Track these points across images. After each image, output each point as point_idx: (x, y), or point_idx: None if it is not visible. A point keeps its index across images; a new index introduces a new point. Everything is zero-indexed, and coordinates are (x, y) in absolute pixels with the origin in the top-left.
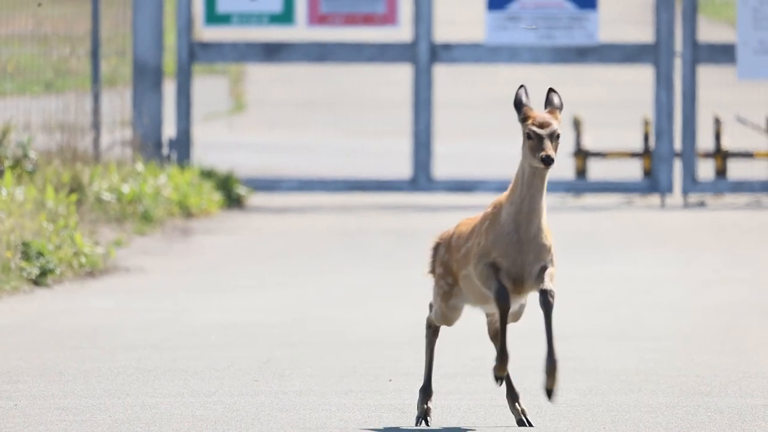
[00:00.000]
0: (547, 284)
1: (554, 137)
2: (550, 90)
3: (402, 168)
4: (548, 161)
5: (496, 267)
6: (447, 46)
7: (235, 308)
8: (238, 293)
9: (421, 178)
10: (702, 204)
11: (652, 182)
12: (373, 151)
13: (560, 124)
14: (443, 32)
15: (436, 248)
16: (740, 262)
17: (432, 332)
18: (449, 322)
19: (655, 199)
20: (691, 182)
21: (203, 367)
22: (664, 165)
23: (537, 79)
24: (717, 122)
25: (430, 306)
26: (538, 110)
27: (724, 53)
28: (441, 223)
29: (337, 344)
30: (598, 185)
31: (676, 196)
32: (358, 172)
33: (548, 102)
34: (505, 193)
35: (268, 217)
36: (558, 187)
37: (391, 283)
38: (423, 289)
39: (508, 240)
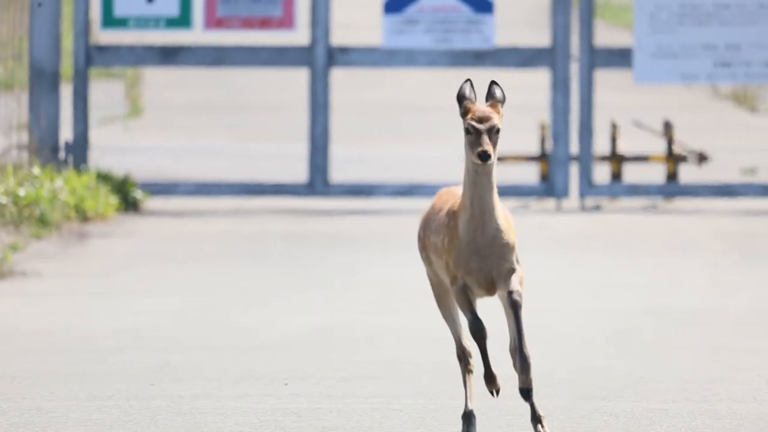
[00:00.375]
0: (514, 284)
1: (494, 132)
2: (492, 83)
3: (299, 172)
4: (485, 157)
5: (467, 292)
6: (344, 50)
7: (131, 312)
8: (134, 297)
9: (318, 183)
10: (598, 207)
11: (549, 186)
12: (271, 154)
13: (502, 118)
14: (341, 36)
15: (421, 227)
16: (636, 266)
17: (463, 366)
18: (447, 294)
19: (551, 202)
20: (588, 186)
21: (99, 371)
22: (561, 169)
23: (434, 83)
24: (613, 126)
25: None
26: (479, 104)
27: (621, 57)
28: (338, 227)
29: (233, 348)
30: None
31: (572, 200)
32: (255, 176)
33: (490, 95)
34: (456, 202)
35: (165, 220)
36: None
37: (288, 287)
38: (320, 292)
39: (469, 251)
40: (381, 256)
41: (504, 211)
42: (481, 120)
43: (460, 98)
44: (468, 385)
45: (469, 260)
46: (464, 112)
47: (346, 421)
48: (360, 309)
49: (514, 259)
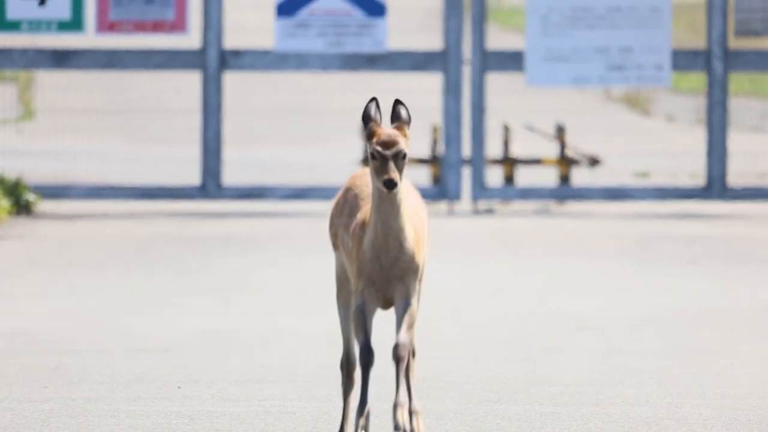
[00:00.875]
0: (402, 335)
1: (399, 157)
2: (397, 102)
3: (192, 175)
4: (391, 185)
5: (365, 311)
6: (236, 53)
7: (23, 315)
8: (26, 300)
9: (211, 185)
10: (491, 211)
11: (441, 189)
12: (163, 158)
13: (408, 140)
14: (234, 39)
15: (333, 216)
16: (528, 270)
17: (346, 376)
18: (348, 295)
19: (443, 206)
20: (480, 189)
21: None
22: (453, 172)
23: (326, 86)
24: (506, 129)
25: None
26: (385, 127)
27: (513, 60)
28: (230, 230)
29: (126, 351)
30: None
31: (464, 203)
32: (147, 180)
33: (395, 116)
34: (367, 213)
35: (57, 224)
36: None
37: (181, 290)
38: (213, 296)
39: (371, 267)
40: (273, 259)
41: (416, 230)
42: (386, 145)
43: (365, 119)
44: (346, 401)
45: (371, 275)
46: (369, 135)
47: (238, 424)
48: (252, 312)
49: (415, 284)
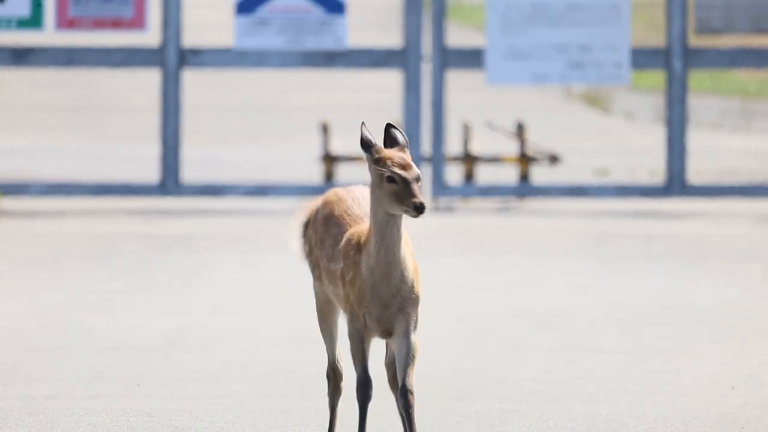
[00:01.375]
0: (409, 380)
1: (419, 180)
2: (390, 125)
3: (151, 173)
4: (422, 209)
5: (363, 338)
6: (195, 51)
7: None
8: None
9: (170, 183)
10: (450, 209)
11: None
12: (122, 155)
13: None
14: (193, 37)
15: (306, 227)
16: (490, 267)
17: (333, 387)
18: (334, 310)
19: None
20: (440, 187)
21: None
22: None
23: (286, 84)
24: (466, 127)
25: (327, 373)
26: (388, 150)
27: (473, 58)
28: (189, 228)
29: (85, 349)
30: None
31: (424, 200)
32: (107, 177)
33: (393, 140)
34: (363, 234)
35: (16, 221)
36: (305, 191)
37: (139, 288)
38: (172, 293)
39: (371, 295)
40: (233, 257)
41: (413, 260)
42: (405, 168)
43: (366, 145)
44: (334, 411)
45: (370, 304)
46: (378, 159)
47: (198, 421)
48: (212, 310)
49: (414, 316)
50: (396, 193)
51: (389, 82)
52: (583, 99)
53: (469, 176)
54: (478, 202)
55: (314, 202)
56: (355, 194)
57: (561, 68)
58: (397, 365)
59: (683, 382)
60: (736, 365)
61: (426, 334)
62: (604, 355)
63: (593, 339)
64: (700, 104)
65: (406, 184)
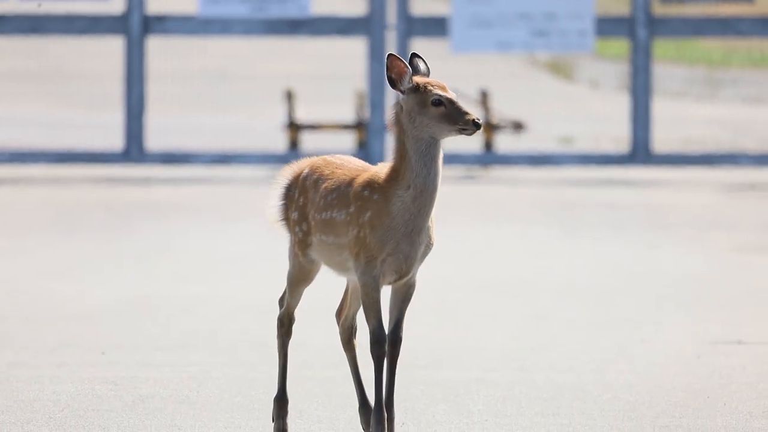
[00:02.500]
0: (402, 326)
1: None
2: (415, 55)
3: (115, 140)
4: (479, 124)
5: (379, 288)
6: (160, 18)
7: None
8: None
9: (134, 150)
10: None
11: (366, 155)
12: (87, 123)
13: None
14: (157, 4)
15: (288, 189)
16: (455, 236)
17: (284, 332)
18: (307, 278)
19: None
20: None
21: None
22: (377, 137)
23: (250, 52)
24: None
25: (280, 302)
26: (421, 76)
27: (437, 26)
28: (154, 195)
29: (50, 317)
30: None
31: None
32: (70, 145)
33: (415, 68)
34: (378, 175)
35: None
36: (269, 159)
37: (104, 256)
38: (137, 262)
39: (403, 232)
40: (198, 225)
41: None
42: (445, 90)
43: (395, 78)
44: (287, 355)
45: (400, 241)
46: (417, 86)
47: (162, 389)
48: (176, 278)
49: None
50: (445, 115)
51: (354, 50)
52: (547, 67)
53: None
54: (444, 170)
55: (298, 166)
56: (342, 158)
57: (525, 36)
58: (395, 310)
59: (648, 351)
60: (701, 334)
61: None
62: (570, 324)
63: (558, 308)
64: (664, 73)
65: (452, 104)
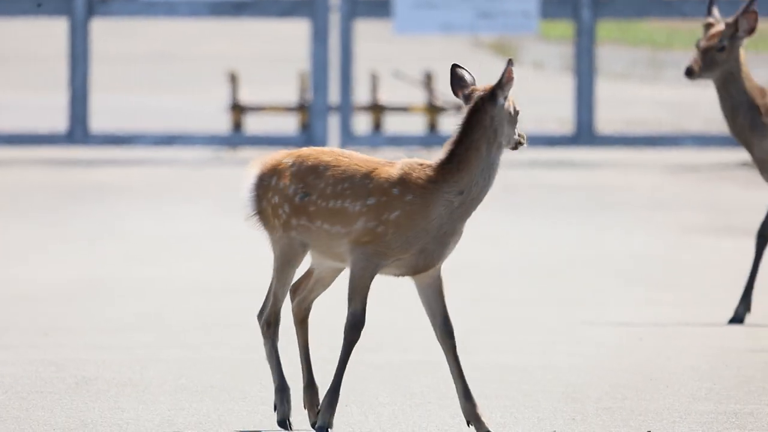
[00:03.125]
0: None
1: None
2: (456, 66)
3: (59, 122)
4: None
5: (372, 279)
6: (104, 0)
7: None
8: None
9: (78, 132)
10: None
11: (308, 136)
12: (30, 105)
13: None
14: None
15: (262, 180)
16: None
17: (272, 332)
18: (296, 259)
19: None
20: (348, 136)
21: None
22: (320, 119)
23: (194, 34)
24: (374, 77)
25: (261, 312)
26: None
27: (381, 7)
28: (98, 177)
29: None
30: (254, 139)
31: None
32: (13, 126)
33: (460, 79)
34: (410, 174)
35: None
36: (213, 140)
37: (51, 238)
38: (82, 243)
39: (435, 234)
40: (143, 206)
41: None
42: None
43: (505, 83)
44: (277, 361)
45: (428, 243)
46: (506, 97)
47: (106, 371)
48: (124, 260)
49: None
50: (513, 126)
51: (297, 31)
52: (491, 48)
53: (377, 126)
54: (385, 152)
55: (275, 157)
56: (333, 149)
57: (469, 17)
58: (437, 306)
59: (592, 332)
60: (645, 315)
61: (335, 287)
62: (513, 306)
63: (502, 289)
64: (608, 54)
65: (516, 116)
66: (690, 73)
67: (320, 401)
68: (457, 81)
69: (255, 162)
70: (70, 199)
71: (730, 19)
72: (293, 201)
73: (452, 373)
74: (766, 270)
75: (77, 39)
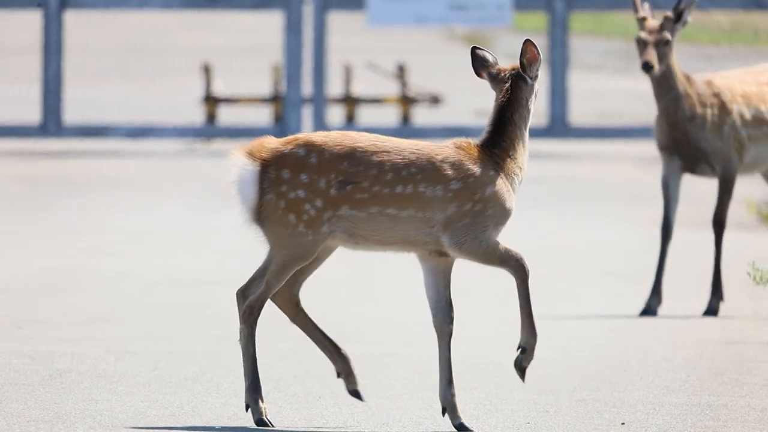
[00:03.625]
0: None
1: None
2: (476, 48)
3: (32, 114)
4: None
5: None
6: None
7: None
8: None
9: (51, 124)
10: None
11: (282, 128)
12: (3, 96)
13: None
14: None
15: (265, 173)
16: None
17: (253, 320)
18: (308, 256)
19: None
20: (321, 127)
21: None
22: (294, 111)
23: (168, 25)
24: (347, 68)
25: (243, 292)
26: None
27: (355, 0)
28: (72, 169)
29: None
30: (228, 131)
31: None
32: None
33: (482, 60)
34: (470, 154)
35: None
36: (187, 132)
37: (23, 230)
38: (56, 236)
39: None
40: (117, 198)
41: None
42: None
43: (534, 60)
44: (253, 349)
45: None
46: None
47: (80, 364)
48: (95, 252)
49: None
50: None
51: (271, 23)
52: (464, 40)
53: (350, 117)
54: None
55: (269, 147)
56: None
57: (442, 9)
58: (444, 288)
59: (565, 324)
60: (618, 307)
61: (312, 276)
62: (485, 298)
63: (473, 281)
64: (582, 46)
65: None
66: (650, 68)
67: (351, 368)
68: (479, 62)
69: (239, 153)
70: (42, 191)
71: (669, 13)
72: (327, 193)
73: (440, 359)
74: (739, 262)
75: (50, 31)
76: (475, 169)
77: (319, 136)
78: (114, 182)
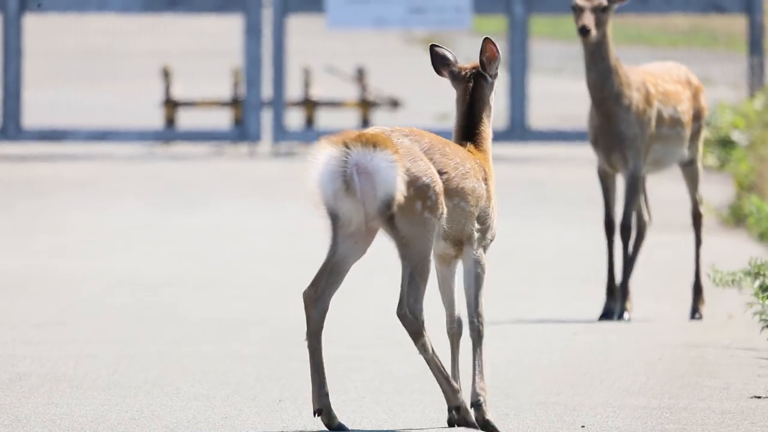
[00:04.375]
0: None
1: None
2: (435, 46)
3: None
4: None
5: None
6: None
7: None
8: None
9: (11, 128)
10: (291, 153)
11: (242, 131)
12: None
13: None
14: None
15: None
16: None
17: (423, 331)
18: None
19: (244, 148)
20: (281, 131)
21: None
22: (253, 114)
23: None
24: (306, 72)
25: (407, 311)
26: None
27: (313, 2)
28: (32, 172)
29: None
30: (187, 134)
31: (265, 145)
32: None
33: (442, 57)
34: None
35: None
36: (146, 136)
37: None
38: (14, 237)
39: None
40: (76, 201)
41: None
42: None
43: (493, 59)
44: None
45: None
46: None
47: (39, 367)
48: (55, 254)
49: None
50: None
51: (231, 26)
52: (424, 43)
53: (309, 121)
54: None
55: (386, 137)
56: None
57: (402, 12)
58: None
59: (525, 327)
60: (578, 311)
61: (268, 278)
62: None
63: (431, 283)
64: (541, 49)
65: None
66: (587, 32)
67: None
68: (439, 60)
69: (376, 146)
70: (2, 194)
71: None
72: (441, 180)
73: (456, 358)
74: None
75: (10, 34)
76: (484, 165)
77: (406, 130)
78: (73, 185)
